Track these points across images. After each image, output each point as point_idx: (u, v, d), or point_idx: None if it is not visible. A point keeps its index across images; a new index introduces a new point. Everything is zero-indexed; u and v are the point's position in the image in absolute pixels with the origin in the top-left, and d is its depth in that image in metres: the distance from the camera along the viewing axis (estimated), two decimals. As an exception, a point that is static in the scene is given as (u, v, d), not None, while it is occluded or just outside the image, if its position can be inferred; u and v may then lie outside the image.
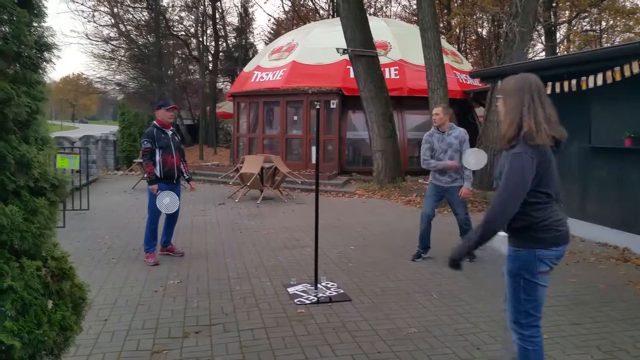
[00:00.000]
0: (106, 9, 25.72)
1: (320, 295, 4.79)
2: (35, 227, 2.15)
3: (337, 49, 12.86)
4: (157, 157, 5.92)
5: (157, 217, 6.01)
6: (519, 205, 2.57)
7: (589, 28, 26.09)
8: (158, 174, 5.92)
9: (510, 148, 2.61)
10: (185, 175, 6.27)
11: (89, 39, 25.61)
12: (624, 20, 21.24)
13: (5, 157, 2.03)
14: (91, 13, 25.74)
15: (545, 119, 2.57)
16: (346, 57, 13.08)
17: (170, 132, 6.09)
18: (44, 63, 2.30)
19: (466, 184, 6.01)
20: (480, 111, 15.10)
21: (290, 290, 4.93)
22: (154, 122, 6.10)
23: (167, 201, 5.84)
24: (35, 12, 2.22)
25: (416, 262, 6.03)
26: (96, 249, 6.51)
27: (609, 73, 6.37)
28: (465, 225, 6.11)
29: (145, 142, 5.93)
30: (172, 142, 6.03)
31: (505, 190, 2.58)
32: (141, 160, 12.45)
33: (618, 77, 6.25)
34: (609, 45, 23.60)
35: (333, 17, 26.24)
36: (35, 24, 2.22)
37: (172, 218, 6.22)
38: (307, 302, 4.62)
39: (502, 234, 2.72)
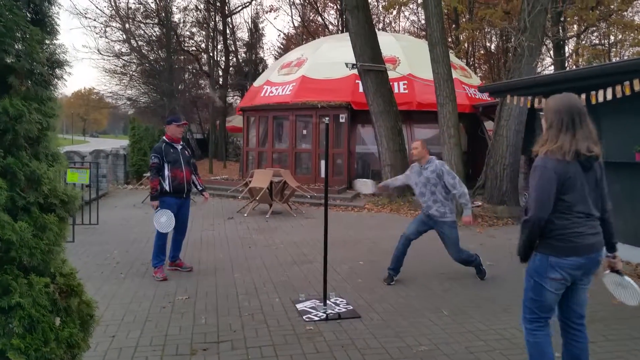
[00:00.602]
0: (118, 25, 26.06)
1: (329, 311, 4.74)
2: (44, 244, 2.14)
3: (346, 64, 12.91)
4: (166, 172, 5.93)
5: (165, 235, 5.98)
6: (548, 211, 2.77)
7: (597, 42, 26.07)
8: (167, 188, 5.93)
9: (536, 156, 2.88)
10: (198, 187, 6.34)
11: (101, 54, 25.94)
12: (632, 34, 21.20)
13: (16, 173, 2.04)
14: (103, 29, 26.10)
15: (583, 136, 2.78)
16: (355, 71, 13.13)
17: (179, 147, 6.11)
18: (56, 80, 2.31)
19: (466, 211, 5.74)
20: (489, 125, 15.06)
21: (299, 306, 4.89)
22: (164, 137, 6.13)
23: (163, 220, 5.82)
24: (48, 29, 2.24)
25: (427, 278, 5.97)
26: (105, 264, 6.51)
27: (618, 87, 6.34)
28: (465, 262, 5.87)
29: (153, 157, 5.96)
30: (182, 157, 6.05)
31: (530, 197, 2.84)
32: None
33: (628, 92, 6.21)
34: (617, 59, 23.53)
35: (342, 32, 26.41)
36: (47, 42, 2.24)
37: (180, 233, 6.22)
38: (316, 318, 4.57)
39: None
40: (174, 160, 5.95)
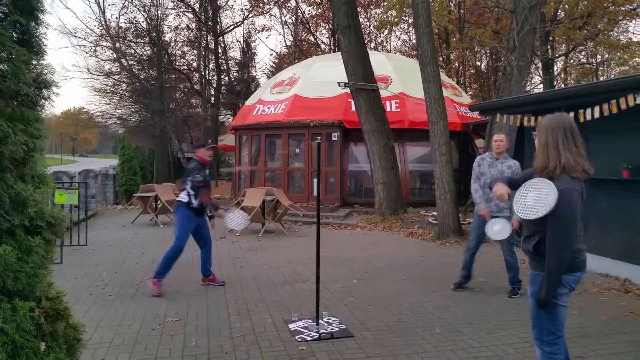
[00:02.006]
0: (108, 44, 26.05)
1: (322, 331, 4.69)
2: (30, 267, 2.10)
3: (339, 83, 12.98)
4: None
5: (181, 252, 6.08)
6: (576, 235, 2.77)
7: (585, 61, 26.43)
8: (195, 204, 6.15)
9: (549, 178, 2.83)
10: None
11: (91, 73, 25.80)
12: (618, 53, 21.52)
13: (0, 195, 2.00)
14: (93, 48, 26.05)
15: (578, 154, 2.83)
16: (347, 90, 13.19)
17: (207, 170, 6.38)
18: (43, 100, 2.29)
19: (516, 216, 5.88)
20: (480, 143, 15.15)
21: (292, 326, 4.83)
22: (197, 158, 6.34)
23: (236, 219, 6.13)
24: (34, 50, 2.23)
25: (420, 296, 5.93)
26: (93, 286, 6.41)
27: (605, 106, 6.42)
28: (508, 256, 6.01)
29: (197, 175, 6.15)
30: (209, 179, 6.43)
31: (559, 227, 2.74)
32: (141, 195, 12.49)
33: (615, 110, 6.29)
34: (605, 78, 23.86)
35: (334, 51, 26.62)
36: (34, 62, 2.23)
37: (206, 247, 6.39)
38: (309, 338, 4.52)
39: None
40: (206, 182, 6.25)
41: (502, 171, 5.98)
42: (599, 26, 20.01)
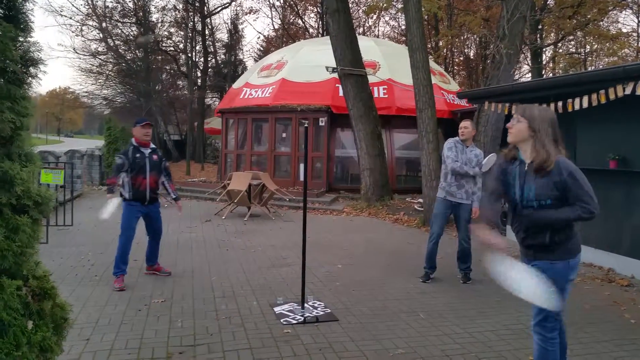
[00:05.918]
0: (95, 24, 25.65)
1: (307, 315, 4.73)
2: (17, 246, 2.09)
3: (327, 68, 12.93)
4: (126, 178, 5.65)
5: (131, 240, 5.73)
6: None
7: (574, 51, 26.56)
8: (126, 195, 5.68)
9: (546, 173, 2.87)
10: (172, 194, 6.13)
11: (77, 52, 25.46)
12: (607, 44, 21.64)
13: (-13, 174, 1.99)
14: (79, 27, 25.63)
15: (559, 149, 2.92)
16: (335, 75, 13.16)
17: (147, 151, 5.79)
18: (30, 78, 2.26)
19: (475, 203, 5.97)
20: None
21: (277, 309, 4.87)
22: (132, 139, 5.83)
23: (109, 207, 5.67)
24: (21, 26, 2.19)
25: (404, 282, 5.99)
26: (79, 266, 6.39)
27: (594, 96, 6.47)
28: (465, 242, 6.03)
29: (117, 159, 5.72)
30: (148, 162, 5.74)
31: (591, 197, 2.92)
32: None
33: (603, 100, 6.34)
34: (593, 68, 24.01)
35: (322, 35, 26.46)
36: (21, 39, 2.19)
37: (154, 239, 6.05)
38: (294, 322, 4.56)
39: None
40: (139, 166, 5.66)
41: (470, 159, 6.01)
42: (588, 16, 20.07)
